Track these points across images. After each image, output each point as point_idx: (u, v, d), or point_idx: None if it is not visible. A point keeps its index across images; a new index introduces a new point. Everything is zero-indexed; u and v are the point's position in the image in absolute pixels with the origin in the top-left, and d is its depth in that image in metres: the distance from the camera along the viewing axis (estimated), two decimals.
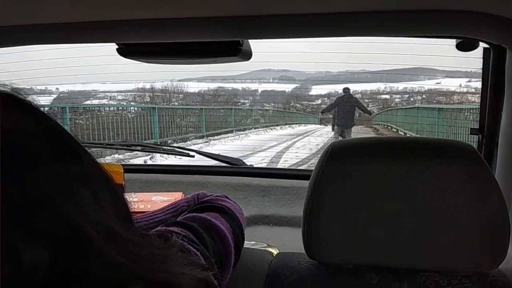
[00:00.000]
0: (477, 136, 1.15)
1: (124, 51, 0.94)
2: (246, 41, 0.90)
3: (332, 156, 0.75)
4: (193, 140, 9.96)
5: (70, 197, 0.35)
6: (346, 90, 9.81)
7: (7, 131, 0.34)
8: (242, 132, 12.32)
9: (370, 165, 0.73)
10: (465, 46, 0.94)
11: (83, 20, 0.81)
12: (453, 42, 0.98)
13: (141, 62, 1.05)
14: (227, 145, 9.30)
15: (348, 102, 9.47)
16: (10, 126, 0.34)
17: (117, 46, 0.95)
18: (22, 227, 0.31)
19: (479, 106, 1.13)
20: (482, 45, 0.99)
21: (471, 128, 1.16)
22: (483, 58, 1.05)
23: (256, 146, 9.22)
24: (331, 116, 10.18)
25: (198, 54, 0.92)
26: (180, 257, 0.44)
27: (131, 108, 10.93)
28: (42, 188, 0.33)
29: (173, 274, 0.40)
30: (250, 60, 0.96)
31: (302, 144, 10.19)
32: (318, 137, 11.49)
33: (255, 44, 0.94)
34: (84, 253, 0.34)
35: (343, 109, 9.38)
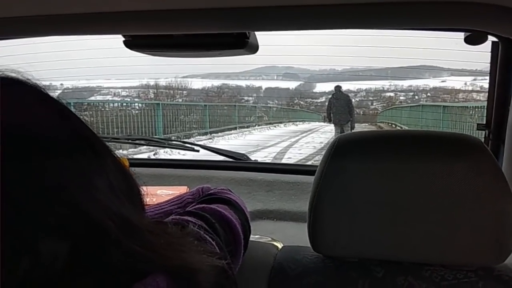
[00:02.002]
0: (484, 132, 1.14)
1: (131, 43, 0.93)
2: (252, 34, 0.90)
3: (338, 149, 0.75)
4: (196, 137, 9.98)
5: (86, 188, 0.35)
6: (336, 88, 9.96)
7: (22, 122, 0.33)
8: (245, 129, 12.33)
9: (376, 158, 0.73)
10: (473, 39, 0.93)
11: (90, 11, 0.81)
12: (461, 36, 0.98)
13: (147, 55, 1.04)
14: (230, 142, 9.31)
15: (338, 99, 9.60)
16: (26, 117, 0.34)
17: (123, 39, 0.95)
18: (39, 220, 0.31)
19: (484, 104, 1.13)
20: (490, 38, 0.99)
21: (477, 124, 1.16)
22: (492, 52, 1.04)
23: (259, 143, 9.22)
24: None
25: (205, 46, 0.91)
26: (197, 245, 0.45)
27: (135, 104, 10.96)
28: (58, 181, 0.33)
29: (191, 261, 0.40)
30: (254, 56, 0.96)
31: (305, 142, 10.18)
32: (322, 134, 11.48)
33: (260, 40, 0.94)
34: (102, 244, 0.34)
35: (336, 107, 9.52)
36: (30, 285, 0.30)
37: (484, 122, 1.13)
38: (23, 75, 0.38)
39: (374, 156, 0.73)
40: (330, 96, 10.14)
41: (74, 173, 0.35)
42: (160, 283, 0.37)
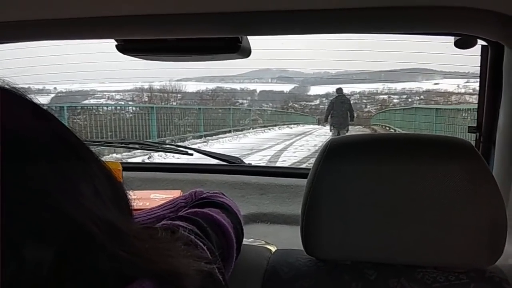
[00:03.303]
0: (475, 135, 1.15)
1: (123, 47, 0.94)
2: (245, 38, 0.91)
3: (331, 152, 0.75)
4: (191, 140, 9.96)
5: (71, 194, 0.35)
6: (339, 91, 9.91)
7: (7, 128, 0.33)
8: (240, 132, 12.33)
9: (369, 161, 0.73)
10: (463, 43, 0.94)
11: (82, 16, 0.81)
12: (451, 40, 0.99)
13: (140, 59, 1.05)
14: (225, 145, 9.30)
15: (343, 102, 9.56)
16: (10, 123, 0.34)
17: (116, 43, 0.95)
18: (24, 225, 0.31)
19: (476, 106, 1.13)
20: (480, 42, 1.00)
21: (468, 126, 1.17)
22: (481, 55, 1.05)
23: (254, 146, 9.22)
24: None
25: (197, 50, 0.92)
26: (184, 250, 0.45)
27: (129, 107, 10.91)
28: (43, 186, 0.33)
29: (177, 266, 0.40)
30: (249, 60, 0.96)
31: (300, 145, 10.19)
32: (316, 137, 11.49)
33: (253, 43, 0.94)
34: (87, 250, 0.34)
35: (338, 110, 9.48)
36: None
37: (476, 125, 1.14)
38: (8, 83, 0.38)
39: (366, 158, 0.74)
40: (332, 98, 10.08)
41: (59, 178, 0.35)
42: None
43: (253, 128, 13.50)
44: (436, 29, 0.88)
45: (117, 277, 0.36)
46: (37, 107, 0.38)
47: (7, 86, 0.38)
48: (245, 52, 0.92)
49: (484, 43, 1.02)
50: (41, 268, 0.31)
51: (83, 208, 0.35)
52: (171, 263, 0.40)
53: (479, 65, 1.08)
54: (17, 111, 0.36)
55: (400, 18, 0.80)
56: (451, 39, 0.99)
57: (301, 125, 15.53)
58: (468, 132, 1.17)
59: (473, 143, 1.12)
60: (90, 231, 0.34)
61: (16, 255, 0.30)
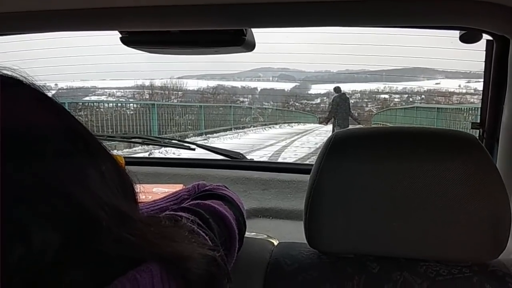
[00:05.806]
0: (478, 131, 1.15)
1: (128, 40, 0.94)
2: (249, 31, 0.90)
3: (335, 145, 0.75)
4: (192, 138, 9.96)
5: (78, 178, 0.36)
6: (338, 89, 9.87)
7: (14, 115, 0.34)
8: (241, 130, 12.33)
9: (373, 155, 0.73)
10: (468, 38, 0.94)
11: (87, 7, 0.81)
12: (454, 37, 0.98)
13: (142, 55, 1.04)
14: (226, 143, 9.30)
15: (345, 100, 9.57)
16: (17, 110, 0.35)
17: (120, 35, 0.94)
18: (32, 209, 0.31)
19: (477, 106, 1.13)
20: (485, 37, 0.99)
21: (472, 123, 1.16)
22: (486, 50, 1.05)
23: (254, 144, 9.22)
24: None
25: (202, 43, 0.91)
26: (188, 236, 0.46)
27: (130, 104, 10.91)
28: (51, 171, 0.34)
29: (181, 250, 0.41)
30: (250, 57, 0.96)
31: (300, 143, 10.19)
32: (317, 136, 11.48)
33: (256, 40, 0.94)
34: (94, 233, 0.35)
35: (341, 108, 9.48)
36: (23, 272, 0.30)
37: (479, 121, 1.14)
38: (19, 73, 0.38)
39: (370, 152, 0.74)
40: (335, 96, 10.04)
41: (67, 164, 0.36)
42: (153, 270, 0.38)
43: (253, 126, 13.50)
44: (441, 22, 0.87)
45: (123, 261, 0.37)
46: (47, 98, 0.39)
47: (20, 78, 0.38)
48: (250, 46, 0.92)
49: (489, 37, 1.01)
50: (48, 251, 0.31)
51: (90, 193, 0.36)
52: (176, 247, 0.41)
53: (483, 61, 1.08)
54: (29, 102, 0.37)
55: (405, 11, 0.80)
56: (454, 36, 0.98)
57: (302, 123, 15.53)
58: (471, 128, 1.17)
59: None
60: (97, 215, 0.35)
61: (24, 238, 0.30)
